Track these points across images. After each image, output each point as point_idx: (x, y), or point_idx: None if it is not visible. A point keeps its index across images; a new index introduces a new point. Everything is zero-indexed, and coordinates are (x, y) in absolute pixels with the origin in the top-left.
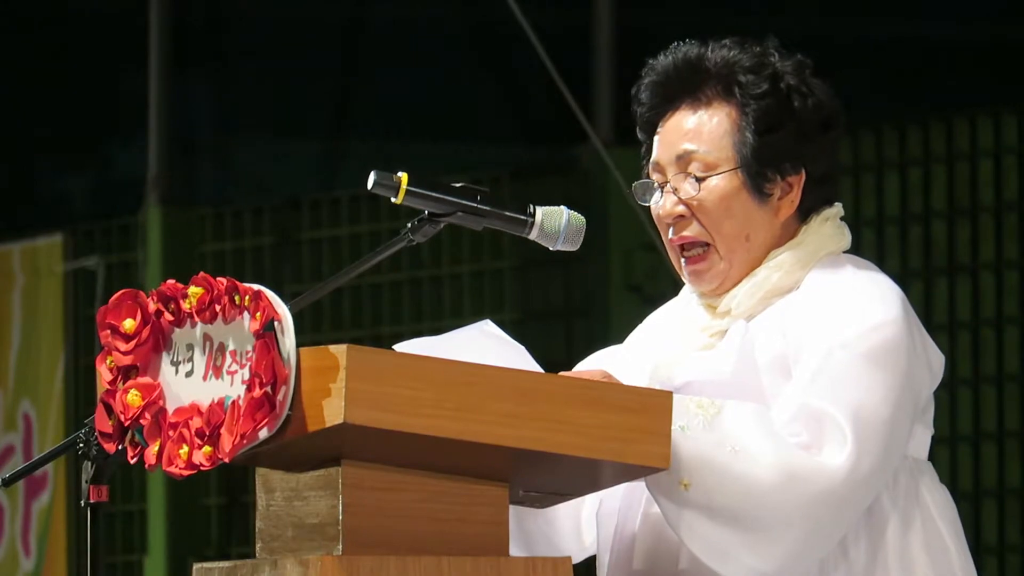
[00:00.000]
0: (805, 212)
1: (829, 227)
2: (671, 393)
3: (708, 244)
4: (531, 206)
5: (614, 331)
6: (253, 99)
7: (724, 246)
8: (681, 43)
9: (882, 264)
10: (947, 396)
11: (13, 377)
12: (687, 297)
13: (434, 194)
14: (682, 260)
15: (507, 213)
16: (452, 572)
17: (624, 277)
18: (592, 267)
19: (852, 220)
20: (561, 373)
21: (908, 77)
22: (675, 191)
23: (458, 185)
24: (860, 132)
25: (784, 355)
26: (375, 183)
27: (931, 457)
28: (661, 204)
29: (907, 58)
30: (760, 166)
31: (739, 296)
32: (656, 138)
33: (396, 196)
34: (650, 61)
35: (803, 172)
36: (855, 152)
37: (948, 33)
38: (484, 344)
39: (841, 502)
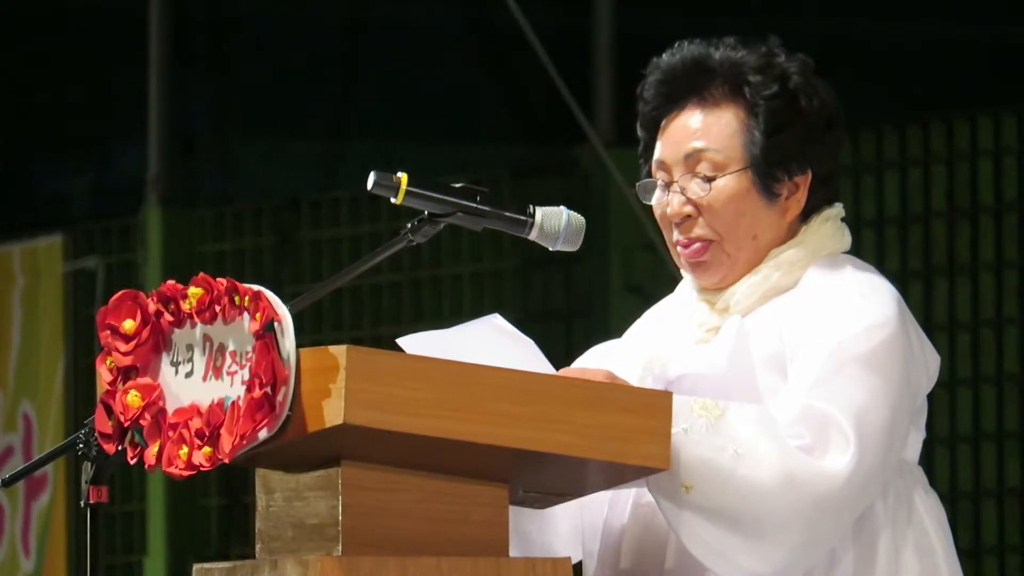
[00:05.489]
0: (806, 212)
1: (829, 227)
2: (671, 394)
3: (713, 241)
4: (531, 206)
5: (614, 331)
6: (253, 99)
7: (732, 245)
8: (685, 42)
9: (882, 264)
10: (947, 396)
11: (13, 377)
12: (685, 292)
13: (434, 194)
14: (682, 255)
15: (507, 213)
16: (452, 572)
17: (624, 277)
18: (592, 267)
19: (852, 220)
20: (563, 369)
21: (908, 77)
22: (682, 191)
23: (458, 185)
24: (860, 132)
25: (780, 353)
26: (375, 183)
27: (931, 458)
28: (667, 203)
29: (907, 58)
30: (769, 166)
31: (738, 294)
32: (661, 137)
33: (396, 196)
34: (655, 59)
35: (809, 172)
36: (855, 152)
37: (948, 33)
38: (492, 338)
39: (841, 506)
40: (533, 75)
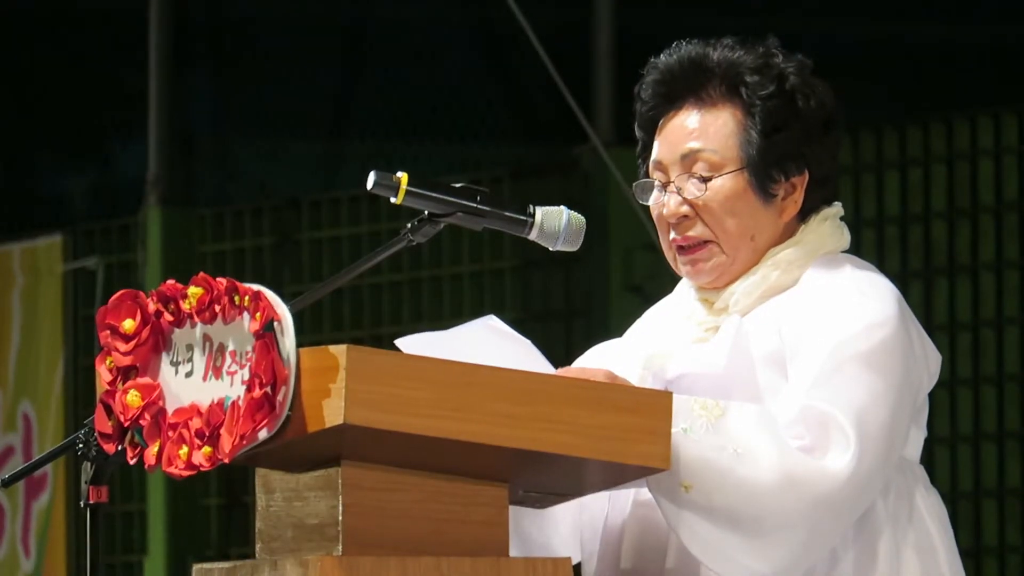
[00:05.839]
0: (805, 212)
1: (828, 226)
2: (671, 393)
3: (710, 241)
4: (531, 206)
5: (614, 331)
6: (253, 99)
7: (729, 245)
8: (683, 42)
9: (882, 264)
10: (947, 396)
11: (13, 377)
12: (684, 291)
13: (434, 194)
14: (677, 254)
15: (507, 213)
16: (452, 572)
17: (624, 277)
18: (592, 267)
19: (852, 220)
20: (563, 369)
21: (908, 77)
22: (679, 191)
23: (458, 185)
24: (860, 132)
25: (779, 351)
26: (375, 183)
27: (931, 458)
28: (664, 204)
29: (907, 58)
30: (766, 167)
31: (737, 293)
32: (658, 137)
33: (396, 196)
34: (652, 59)
35: (806, 172)
36: (855, 152)
37: (948, 33)
38: (490, 339)
39: (841, 505)
40: (533, 75)
